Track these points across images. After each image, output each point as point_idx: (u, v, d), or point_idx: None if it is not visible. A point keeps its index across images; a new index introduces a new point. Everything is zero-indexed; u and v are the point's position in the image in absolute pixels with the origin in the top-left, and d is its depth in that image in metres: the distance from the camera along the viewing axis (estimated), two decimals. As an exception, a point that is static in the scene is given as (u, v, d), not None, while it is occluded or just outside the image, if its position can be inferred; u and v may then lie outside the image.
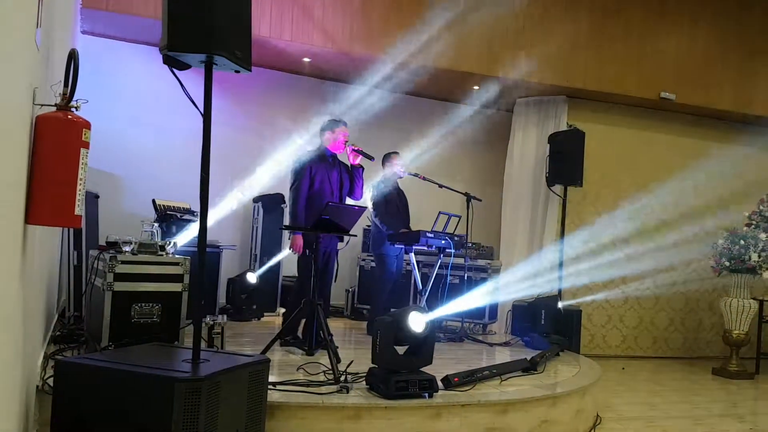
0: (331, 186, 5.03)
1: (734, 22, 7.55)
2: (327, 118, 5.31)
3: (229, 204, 6.73)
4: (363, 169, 5.18)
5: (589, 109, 7.45)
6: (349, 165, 5.16)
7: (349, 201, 5.19)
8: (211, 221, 5.31)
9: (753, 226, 6.77)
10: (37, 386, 3.07)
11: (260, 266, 6.70)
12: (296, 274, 5.22)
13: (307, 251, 4.85)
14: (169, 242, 4.12)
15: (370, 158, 5.06)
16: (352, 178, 5.16)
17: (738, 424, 4.88)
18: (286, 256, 6.54)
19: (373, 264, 6.82)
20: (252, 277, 6.39)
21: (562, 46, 6.91)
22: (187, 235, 5.36)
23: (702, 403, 5.53)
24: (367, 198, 5.80)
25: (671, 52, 7.31)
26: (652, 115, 7.67)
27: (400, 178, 6.14)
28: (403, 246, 5.78)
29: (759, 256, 6.48)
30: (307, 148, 5.40)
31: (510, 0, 6.74)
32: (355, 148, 5.04)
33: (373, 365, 3.64)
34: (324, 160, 5.07)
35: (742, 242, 6.58)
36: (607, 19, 7.10)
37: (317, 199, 4.93)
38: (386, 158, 6.15)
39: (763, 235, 6.58)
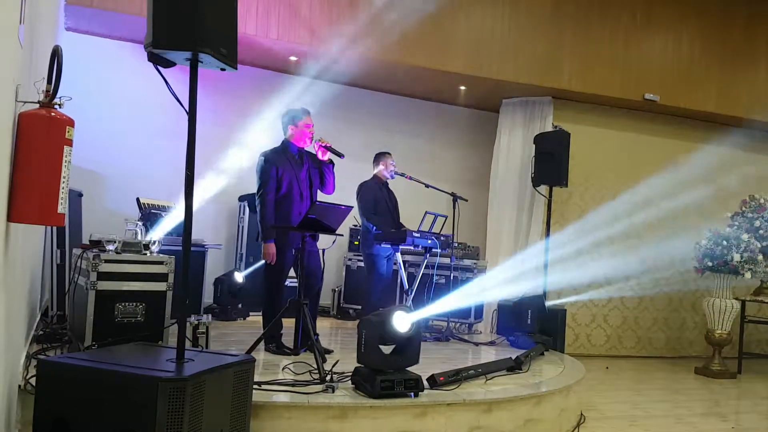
0: (300, 187, 4.71)
1: (717, 25, 7.63)
2: (287, 109, 4.93)
3: (213, 203, 6.66)
4: (333, 164, 4.86)
5: (575, 110, 7.49)
6: (318, 160, 4.83)
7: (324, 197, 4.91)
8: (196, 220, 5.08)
9: (735, 227, 6.83)
10: (20, 386, 3.03)
11: (246, 266, 6.68)
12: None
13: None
14: (154, 242, 4.09)
15: (340, 155, 4.78)
16: (321, 173, 4.85)
17: (720, 423, 4.92)
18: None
19: (360, 263, 6.82)
20: (239, 277, 6.36)
21: (547, 48, 6.95)
22: (164, 228, 4.93)
23: (684, 402, 5.58)
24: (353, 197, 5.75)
25: (656, 55, 7.38)
26: (637, 117, 7.73)
27: (390, 179, 6.12)
28: (391, 246, 5.77)
29: (741, 257, 6.54)
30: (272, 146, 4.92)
31: (496, 1, 6.78)
32: (324, 145, 4.74)
33: (359, 365, 3.64)
34: (290, 157, 4.74)
35: (724, 243, 6.65)
36: (593, 22, 7.15)
37: (285, 203, 4.68)
38: (379, 157, 6.09)
39: (745, 236, 6.64)
